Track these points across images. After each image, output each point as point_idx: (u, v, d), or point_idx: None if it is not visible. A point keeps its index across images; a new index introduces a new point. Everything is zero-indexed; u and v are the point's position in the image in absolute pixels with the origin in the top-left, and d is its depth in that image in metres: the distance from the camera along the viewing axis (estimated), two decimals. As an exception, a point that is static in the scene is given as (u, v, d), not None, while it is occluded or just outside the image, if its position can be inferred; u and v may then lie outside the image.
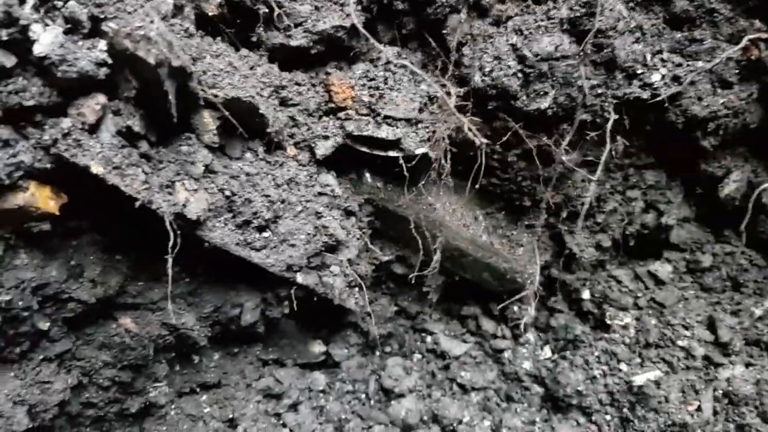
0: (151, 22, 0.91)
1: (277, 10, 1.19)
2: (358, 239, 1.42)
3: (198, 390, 1.48)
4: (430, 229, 1.44)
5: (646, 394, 1.41)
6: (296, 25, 1.22)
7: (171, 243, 1.00)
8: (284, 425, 1.53)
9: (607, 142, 1.31)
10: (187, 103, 1.08)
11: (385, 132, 1.28)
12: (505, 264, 1.50)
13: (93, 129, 0.95)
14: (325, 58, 1.30)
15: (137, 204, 0.98)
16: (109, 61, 0.93)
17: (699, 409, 1.39)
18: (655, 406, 1.40)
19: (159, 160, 1.06)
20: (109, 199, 1.00)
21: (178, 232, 1.03)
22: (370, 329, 1.62)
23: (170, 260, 1.00)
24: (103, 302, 1.17)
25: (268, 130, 1.20)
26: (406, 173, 1.29)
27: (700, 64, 1.31)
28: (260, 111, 1.16)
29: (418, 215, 1.44)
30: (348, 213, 1.41)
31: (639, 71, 1.30)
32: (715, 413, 1.38)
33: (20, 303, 1.02)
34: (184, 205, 1.06)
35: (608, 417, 1.47)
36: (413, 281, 1.52)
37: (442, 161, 1.30)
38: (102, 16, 0.91)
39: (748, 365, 1.42)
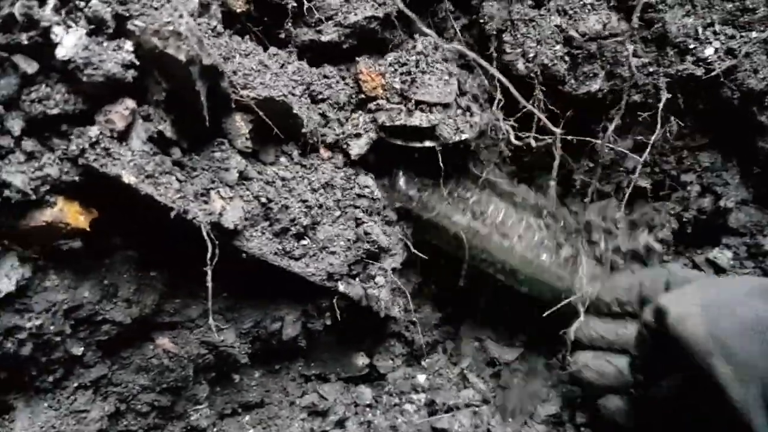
0: (180, 16, 0.84)
1: (306, 4, 1.13)
2: (401, 245, 1.35)
3: (240, 410, 1.41)
4: (470, 240, 1.36)
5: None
6: (327, 19, 1.16)
7: (209, 254, 0.93)
8: (332, 443, 1.45)
9: (658, 123, 1.24)
10: (218, 106, 1.01)
11: (418, 119, 1.19)
12: (558, 283, 1.41)
13: (122, 136, 0.88)
14: (357, 54, 1.23)
15: (172, 214, 0.91)
16: (137, 62, 0.86)
17: None
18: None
19: (192, 167, 0.99)
20: (142, 211, 0.94)
21: (216, 242, 0.96)
22: (415, 338, 1.55)
23: (209, 272, 0.93)
24: (139, 322, 1.10)
25: (303, 130, 1.13)
26: (441, 164, 1.21)
27: (754, 34, 1.23)
28: (294, 111, 1.10)
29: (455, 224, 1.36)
30: (389, 218, 1.34)
31: (691, 46, 1.23)
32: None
33: (52, 327, 0.96)
34: (221, 214, 1.00)
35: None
36: (459, 286, 1.44)
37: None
38: (127, 15, 0.84)
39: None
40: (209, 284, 0.94)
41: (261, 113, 1.04)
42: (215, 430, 1.36)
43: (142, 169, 0.88)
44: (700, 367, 0.85)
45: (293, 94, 1.12)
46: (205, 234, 0.94)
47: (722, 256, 1.48)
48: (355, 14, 1.15)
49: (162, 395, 1.19)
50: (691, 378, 0.94)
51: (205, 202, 0.98)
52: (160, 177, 0.90)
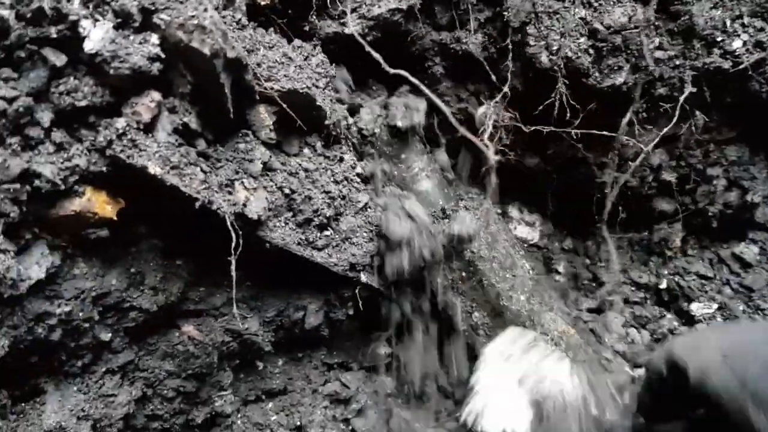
0: (205, 10, 0.85)
1: (331, -4, 1.14)
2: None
3: (263, 397, 1.43)
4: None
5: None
6: (351, 11, 1.16)
7: (233, 244, 0.95)
8: (354, 431, 1.47)
9: (676, 115, 1.23)
10: (242, 98, 1.03)
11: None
12: None
13: (148, 128, 0.90)
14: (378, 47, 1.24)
15: (197, 205, 0.92)
16: (162, 55, 0.87)
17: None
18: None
19: (217, 158, 1.01)
20: (168, 202, 0.96)
21: (240, 232, 0.97)
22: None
23: (233, 262, 0.94)
24: (165, 310, 1.12)
25: (326, 122, 1.14)
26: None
27: (784, 26, 1.21)
28: (317, 103, 1.11)
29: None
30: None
31: (719, 39, 1.21)
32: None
33: (80, 314, 0.98)
34: (245, 205, 1.01)
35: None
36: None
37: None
38: (153, 8, 0.86)
39: None
40: (233, 273, 0.96)
41: (284, 105, 1.05)
42: (239, 416, 1.38)
43: (168, 160, 0.90)
44: (729, 415, 0.83)
45: (317, 87, 1.13)
46: (229, 224, 0.95)
47: (748, 251, 1.46)
48: (379, 6, 1.16)
49: (187, 381, 1.22)
50: (700, 422, 0.92)
51: (230, 193, 1.00)
52: (185, 168, 0.92)
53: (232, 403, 1.33)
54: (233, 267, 0.95)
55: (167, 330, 1.17)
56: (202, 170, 0.95)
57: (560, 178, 1.51)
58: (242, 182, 1.02)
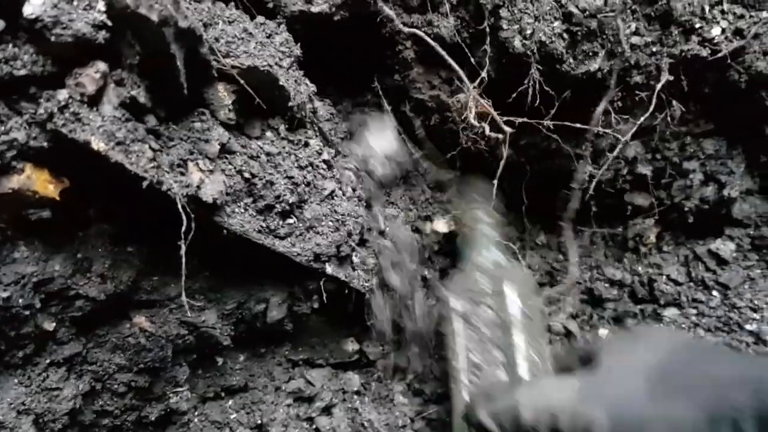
0: (153, -26, 0.80)
1: (295, -29, 1.08)
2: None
3: (223, 395, 1.37)
4: None
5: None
6: (317, -12, 1.11)
7: (184, 228, 0.89)
8: (317, 430, 1.41)
9: (652, 104, 1.19)
10: (198, 74, 0.97)
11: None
12: None
13: (93, 101, 0.83)
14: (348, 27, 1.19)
15: (145, 184, 0.86)
16: (109, 23, 0.81)
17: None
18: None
19: (169, 137, 0.94)
20: (117, 183, 0.89)
21: (192, 216, 0.91)
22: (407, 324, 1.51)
23: (183, 247, 0.88)
24: (114, 299, 1.06)
25: (290, 104, 1.09)
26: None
27: (764, 14, 1.17)
28: (280, 83, 1.05)
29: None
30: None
31: (697, 25, 1.17)
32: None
33: (20, 300, 0.92)
34: (199, 187, 0.95)
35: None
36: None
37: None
38: (98, -29, 0.80)
39: (824, 348, 1.29)
40: (183, 259, 0.90)
41: (243, 83, 0.99)
42: (196, 413, 1.32)
43: (113, 135, 0.84)
44: None
45: (280, 66, 1.07)
46: (180, 206, 0.89)
47: (725, 247, 1.43)
48: (347, -16, 1.11)
49: (139, 375, 1.16)
50: None
51: (182, 174, 0.94)
52: (132, 145, 0.86)
53: (188, 400, 1.28)
54: (183, 251, 0.88)
55: (118, 321, 1.11)
56: (151, 148, 0.89)
57: (534, 171, 1.47)
58: (197, 163, 0.96)
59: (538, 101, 1.21)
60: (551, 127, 1.19)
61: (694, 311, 1.40)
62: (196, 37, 0.89)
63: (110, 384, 1.13)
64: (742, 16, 1.17)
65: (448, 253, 1.56)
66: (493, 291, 1.24)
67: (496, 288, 1.24)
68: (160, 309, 1.14)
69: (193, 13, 0.91)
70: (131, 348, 1.12)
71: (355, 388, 1.48)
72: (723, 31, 1.18)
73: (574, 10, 1.12)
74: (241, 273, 1.20)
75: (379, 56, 1.34)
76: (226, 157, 1.03)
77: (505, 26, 1.18)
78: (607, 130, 1.25)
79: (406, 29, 1.15)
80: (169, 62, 0.87)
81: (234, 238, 1.06)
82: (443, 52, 1.16)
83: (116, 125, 0.84)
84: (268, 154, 1.09)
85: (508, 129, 1.18)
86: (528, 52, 1.17)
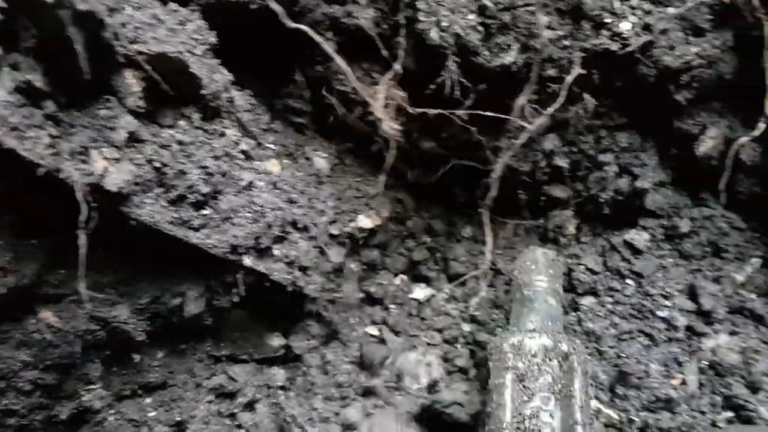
0: (47, -47, 0.77)
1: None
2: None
3: (140, 392, 1.33)
4: None
5: (625, 372, 1.31)
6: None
7: (83, 217, 0.86)
8: (239, 426, 1.39)
9: (562, 97, 1.22)
10: (103, 60, 0.94)
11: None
12: None
13: (-15, 85, 0.81)
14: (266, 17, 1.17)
15: (41, 171, 0.84)
16: (4, 4, 0.79)
17: (684, 382, 1.29)
18: (636, 383, 1.30)
19: (70, 123, 0.92)
20: (16, 172, 0.86)
21: (96, 206, 0.89)
22: (333, 318, 1.50)
23: (82, 236, 0.86)
24: (17, 293, 1.02)
25: (203, 92, 1.07)
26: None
27: (671, 10, 1.22)
28: (191, 70, 1.03)
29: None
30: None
31: (607, 20, 1.21)
32: (701, 385, 1.29)
33: None
34: (102, 176, 0.93)
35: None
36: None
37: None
38: (-11, -50, 0.77)
39: (732, 333, 1.33)
40: (82, 250, 0.87)
41: (150, 69, 0.97)
42: (111, 411, 1.28)
43: (6, 120, 0.81)
44: None
45: (192, 53, 1.06)
46: (79, 195, 0.86)
47: (639, 237, 1.47)
48: (263, -29, 1.10)
49: (47, 373, 1.12)
50: None
51: (84, 162, 0.91)
52: (27, 130, 0.83)
53: (102, 398, 1.24)
54: (82, 241, 0.86)
55: (22, 316, 1.07)
56: (49, 135, 0.86)
57: (455, 163, 1.48)
58: (101, 151, 0.94)
59: (456, 93, 1.22)
60: (465, 117, 1.20)
61: (610, 299, 1.43)
62: (97, 21, 0.87)
63: (15, 382, 1.09)
64: (650, 12, 1.21)
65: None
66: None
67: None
68: (67, 304, 1.10)
69: (95, -4, 0.88)
70: (36, 344, 1.08)
71: (280, 384, 1.46)
72: (632, 26, 1.21)
73: (489, 3, 1.14)
74: (154, 266, 1.17)
75: (301, 47, 1.33)
76: (135, 146, 1.01)
77: (422, 18, 1.18)
78: (520, 121, 1.27)
79: (292, 25, 1.13)
80: (68, 46, 0.84)
81: (145, 229, 1.04)
82: (331, 51, 1.16)
83: (9, 110, 0.82)
84: (180, 143, 1.07)
85: (393, 131, 1.19)
86: (444, 44, 1.18)
